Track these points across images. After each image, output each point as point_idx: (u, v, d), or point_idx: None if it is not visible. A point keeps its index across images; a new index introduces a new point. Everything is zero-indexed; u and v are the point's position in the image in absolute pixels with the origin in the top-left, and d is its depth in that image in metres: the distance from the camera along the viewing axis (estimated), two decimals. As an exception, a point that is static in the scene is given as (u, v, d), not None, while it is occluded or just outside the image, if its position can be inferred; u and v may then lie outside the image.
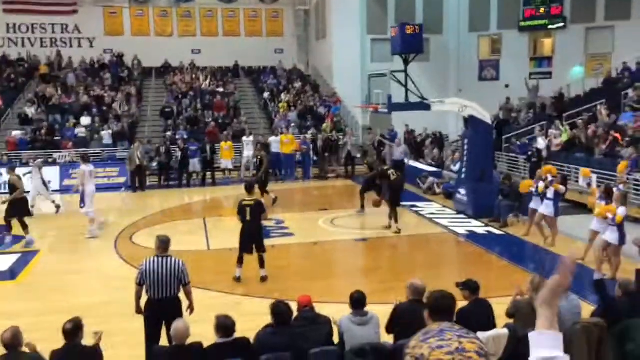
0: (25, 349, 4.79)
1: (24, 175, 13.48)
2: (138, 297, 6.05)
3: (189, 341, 5.00)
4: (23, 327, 4.85)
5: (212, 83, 25.37)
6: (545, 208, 10.60)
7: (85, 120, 21.90)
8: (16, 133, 20.35)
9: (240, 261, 8.99)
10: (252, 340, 5.20)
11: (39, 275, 9.56)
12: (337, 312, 5.87)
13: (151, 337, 5.85)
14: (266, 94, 25.15)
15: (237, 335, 5.11)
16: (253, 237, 9.00)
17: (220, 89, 24.95)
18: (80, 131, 21.22)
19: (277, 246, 11.26)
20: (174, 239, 11.38)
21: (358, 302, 5.51)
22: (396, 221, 12.02)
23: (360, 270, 10.35)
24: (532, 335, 1.86)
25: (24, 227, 11.26)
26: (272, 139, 20.10)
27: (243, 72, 27.98)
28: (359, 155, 20.32)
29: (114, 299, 8.09)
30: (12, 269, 9.87)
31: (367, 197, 13.52)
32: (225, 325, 5.09)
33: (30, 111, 21.90)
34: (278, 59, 28.10)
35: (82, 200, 12.01)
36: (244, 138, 20.07)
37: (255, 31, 28.80)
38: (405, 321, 5.44)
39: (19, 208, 11.31)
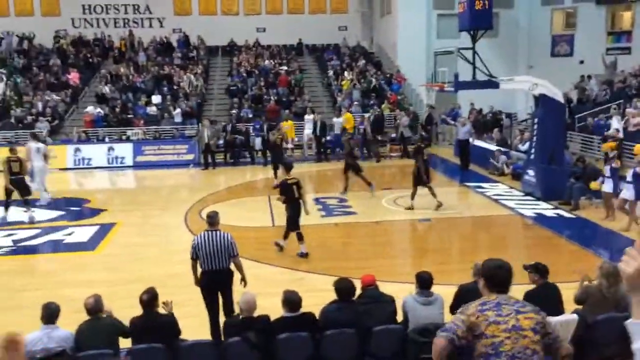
0: (104, 315, 5.13)
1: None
2: (194, 270, 6.40)
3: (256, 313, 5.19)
4: (102, 296, 5.19)
5: (276, 62, 25.60)
6: (626, 191, 10.15)
7: (156, 98, 22.70)
8: (90, 109, 21.37)
9: (300, 237, 9.20)
10: (316, 316, 5.33)
11: (116, 247, 10.10)
12: (399, 291, 5.90)
13: (209, 306, 6.22)
14: (330, 72, 25.13)
15: (302, 310, 5.25)
16: (299, 213, 9.31)
17: (284, 67, 25.15)
18: (152, 109, 22.05)
19: (340, 224, 11.40)
20: (240, 216, 11.91)
21: (425, 281, 5.50)
22: (434, 196, 12.01)
23: (423, 251, 10.30)
24: (630, 324, 1.80)
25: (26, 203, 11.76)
26: (335, 120, 20.11)
27: (307, 50, 28.04)
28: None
29: (184, 271, 8.45)
30: (91, 241, 10.46)
31: (349, 177, 13.68)
32: (292, 300, 5.24)
33: (105, 89, 22.90)
34: (342, 36, 27.94)
35: (31, 176, 12.68)
36: (306, 116, 20.20)
37: (319, 8, 28.71)
38: (468, 301, 5.41)
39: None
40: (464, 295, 5.52)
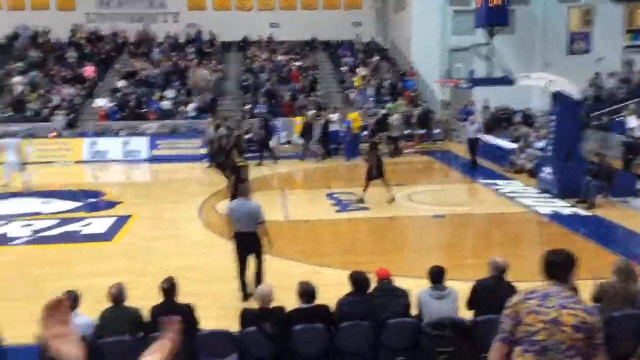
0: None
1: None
2: (229, 226, 7.37)
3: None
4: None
5: (289, 58, 25.62)
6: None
7: (170, 93, 22.83)
8: (101, 101, 21.53)
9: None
10: (331, 308, 5.37)
11: (132, 238, 10.21)
12: (413, 285, 5.92)
13: (239, 266, 7.20)
14: (343, 68, 25.09)
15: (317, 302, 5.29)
16: None
17: (298, 63, 25.17)
18: (166, 104, 22.18)
19: (353, 219, 11.43)
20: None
21: (436, 275, 5.53)
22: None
23: (437, 246, 10.29)
24: None
25: None
26: (332, 116, 19.64)
27: (320, 46, 28.04)
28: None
29: (198, 264, 8.56)
30: (108, 231, 10.59)
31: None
32: (307, 291, 5.29)
33: (120, 84, 23.07)
34: (355, 32, 27.89)
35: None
36: (331, 115, 19.88)
37: (333, 4, 28.66)
38: (485, 297, 5.43)
39: None
40: (480, 291, 5.54)
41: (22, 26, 26.28)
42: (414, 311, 5.60)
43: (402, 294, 5.60)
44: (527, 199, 12.79)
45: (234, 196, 10.31)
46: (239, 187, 7.61)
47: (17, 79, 22.94)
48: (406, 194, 13.34)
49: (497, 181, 14.70)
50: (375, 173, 12.29)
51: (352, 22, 28.18)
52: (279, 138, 19.91)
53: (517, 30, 23.21)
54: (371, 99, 21.95)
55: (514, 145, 16.68)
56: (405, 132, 20.36)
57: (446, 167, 17.87)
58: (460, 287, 5.69)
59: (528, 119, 19.84)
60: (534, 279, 3.73)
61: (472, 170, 16.37)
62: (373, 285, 5.65)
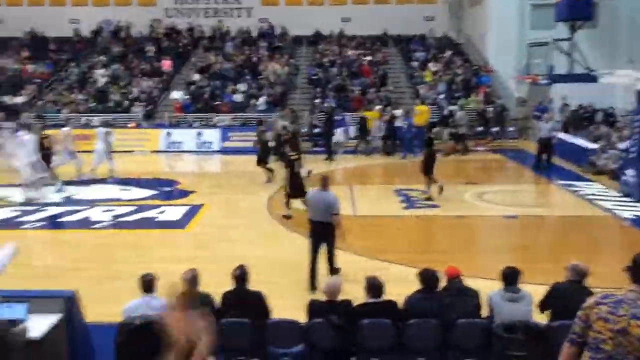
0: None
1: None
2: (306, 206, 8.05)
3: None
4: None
5: (360, 53, 25.54)
6: None
7: (242, 86, 23.34)
8: (177, 93, 22.33)
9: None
10: (399, 304, 5.32)
11: (205, 227, 10.54)
12: (482, 286, 5.76)
13: (312, 251, 7.50)
14: (414, 63, 24.75)
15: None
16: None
17: (368, 58, 25.04)
18: (237, 97, 22.70)
19: (421, 217, 11.27)
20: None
21: (510, 277, 5.34)
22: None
23: (508, 248, 9.96)
24: None
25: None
26: (396, 112, 19.28)
27: (391, 41, 27.78)
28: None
29: (266, 254, 8.72)
30: (182, 219, 10.98)
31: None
32: (374, 286, 5.26)
33: (195, 77, 23.82)
34: (428, 26, 27.43)
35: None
36: (395, 111, 19.71)
37: (406, -3, 28.32)
38: (561, 302, 5.21)
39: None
40: (556, 295, 5.32)
41: (105, 21, 27.66)
42: (484, 312, 5.46)
43: (473, 294, 5.47)
44: (607, 202, 12.16)
45: (291, 189, 10.55)
46: (322, 177, 7.78)
47: (99, 71, 24.19)
48: (477, 193, 13.01)
49: (575, 182, 14.06)
50: (421, 167, 12.23)
51: (424, 17, 27.73)
52: (346, 133, 19.88)
53: (601, 24, 22.02)
54: (442, 95, 21.52)
55: (594, 146, 15.87)
56: (478, 129, 19.88)
57: (520, 166, 17.26)
58: (533, 291, 5.48)
59: (610, 118, 18.82)
60: (612, 285, 3.55)
61: (541, 170, 15.70)
62: (442, 284, 5.55)
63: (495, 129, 18.99)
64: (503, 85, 22.72)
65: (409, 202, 12.26)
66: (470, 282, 5.96)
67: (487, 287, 5.64)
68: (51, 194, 12.72)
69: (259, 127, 15.36)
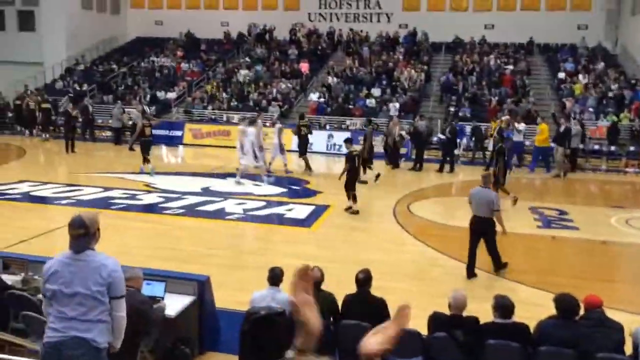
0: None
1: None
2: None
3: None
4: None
5: (501, 61, 24.44)
6: None
7: (376, 91, 23.39)
8: (314, 95, 22.92)
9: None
10: (530, 328, 4.96)
11: (329, 227, 10.67)
12: (625, 321, 5.19)
13: (470, 245, 8.02)
14: (561, 74, 23.15)
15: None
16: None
17: (510, 67, 23.89)
18: (370, 102, 22.79)
19: (557, 238, 10.47)
20: (445, 214, 11.75)
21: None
22: None
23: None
24: None
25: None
26: (519, 125, 17.78)
27: (537, 49, 26.26)
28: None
29: (388, 260, 8.60)
30: (308, 218, 11.23)
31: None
32: (504, 306, 4.95)
33: (331, 80, 24.32)
34: (580, 35, 25.54)
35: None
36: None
37: (557, 4, 26.61)
38: None
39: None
40: None
41: (252, 25, 29.24)
42: (627, 349, 4.91)
43: (617, 327, 4.94)
44: None
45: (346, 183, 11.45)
46: (482, 175, 8.46)
47: (243, 72, 25.62)
48: (624, 217, 11.84)
49: None
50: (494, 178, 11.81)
51: (577, 25, 25.89)
52: (468, 144, 19.21)
53: None
54: (591, 109, 19.90)
55: None
56: (630, 148, 18.12)
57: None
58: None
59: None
60: None
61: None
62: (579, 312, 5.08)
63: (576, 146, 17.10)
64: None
65: (544, 222, 11.47)
66: (610, 314, 5.42)
67: (631, 322, 5.10)
68: (232, 184, 13.91)
69: (368, 127, 16.14)
